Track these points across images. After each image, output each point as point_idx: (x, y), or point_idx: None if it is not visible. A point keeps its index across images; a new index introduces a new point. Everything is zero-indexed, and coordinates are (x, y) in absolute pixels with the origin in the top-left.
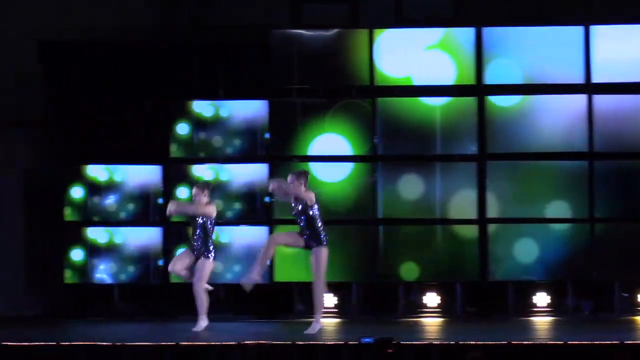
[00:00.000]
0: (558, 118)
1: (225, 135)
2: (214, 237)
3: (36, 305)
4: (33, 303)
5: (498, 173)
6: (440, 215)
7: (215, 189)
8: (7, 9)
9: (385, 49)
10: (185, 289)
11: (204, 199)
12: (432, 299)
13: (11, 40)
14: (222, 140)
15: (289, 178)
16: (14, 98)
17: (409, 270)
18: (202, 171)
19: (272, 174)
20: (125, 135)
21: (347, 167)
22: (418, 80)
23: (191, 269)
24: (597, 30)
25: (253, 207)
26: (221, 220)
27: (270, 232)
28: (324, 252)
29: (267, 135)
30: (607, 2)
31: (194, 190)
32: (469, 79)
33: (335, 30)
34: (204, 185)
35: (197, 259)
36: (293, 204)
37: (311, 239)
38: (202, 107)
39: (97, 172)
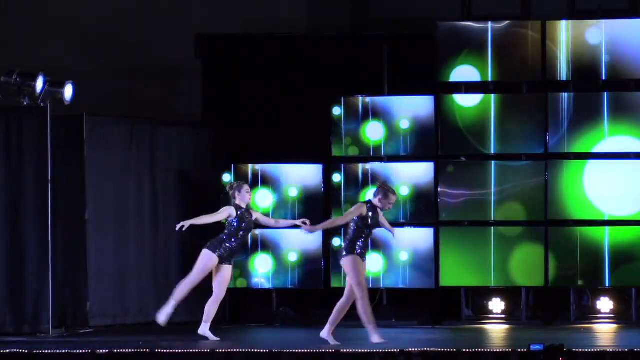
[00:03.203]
0: None
1: (389, 132)
2: (232, 243)
3: (195, 310)
4: (192, 308)
5: None
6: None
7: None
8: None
9: (558, 41)
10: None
11: (237, 194)
12: (605, 305)
13: (167, 34)
14: (385, 138)
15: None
16: (171, 95)
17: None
18: (365, 170)
19: (438, 173)
20: (284, 133)
21: (518, 166)
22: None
23: None
24: None
25: (418, 208)
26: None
27: (436, 233)
28: (349, 260)
29: (432, 133)
30: None
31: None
32: None
33: (505, 23)
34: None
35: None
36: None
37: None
38: (365, 103)
39: (255, 170)
